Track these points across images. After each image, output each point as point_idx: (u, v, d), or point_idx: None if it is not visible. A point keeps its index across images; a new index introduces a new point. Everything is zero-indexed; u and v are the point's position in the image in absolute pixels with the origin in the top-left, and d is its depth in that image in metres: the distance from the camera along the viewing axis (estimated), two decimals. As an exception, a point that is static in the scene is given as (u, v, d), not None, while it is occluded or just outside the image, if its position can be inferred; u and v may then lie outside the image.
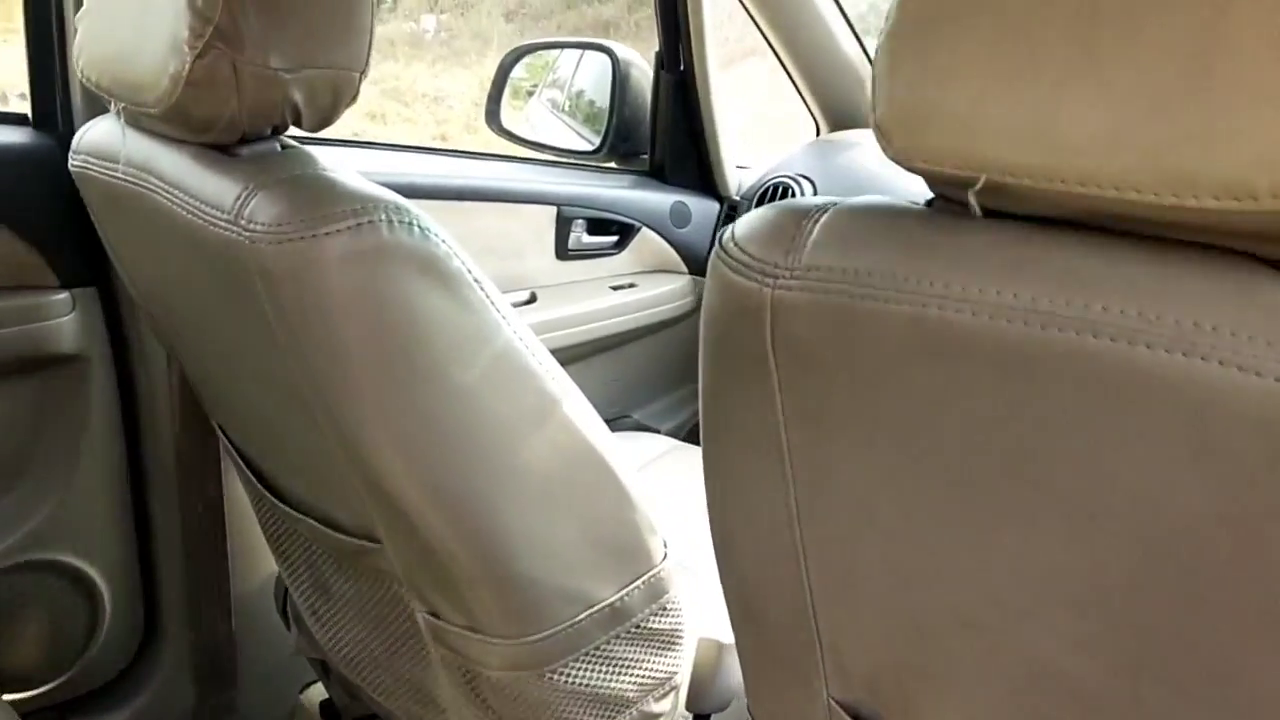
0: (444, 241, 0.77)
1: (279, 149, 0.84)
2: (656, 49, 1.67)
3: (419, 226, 0.76)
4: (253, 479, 1.04)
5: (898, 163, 0.51)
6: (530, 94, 2.30)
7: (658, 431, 1.77)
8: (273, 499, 1.01)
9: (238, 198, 0.75)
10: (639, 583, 0.91)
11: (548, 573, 0.85)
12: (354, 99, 0.84)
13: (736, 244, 0.58)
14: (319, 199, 0.74)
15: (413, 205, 0.78)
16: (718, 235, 0.57)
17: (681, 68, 1.66)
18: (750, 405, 0.59)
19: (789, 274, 0.54)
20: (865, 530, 0.57)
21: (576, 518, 0.86)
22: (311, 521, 0.96)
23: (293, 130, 0.86)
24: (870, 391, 0.52)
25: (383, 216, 0.74)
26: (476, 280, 0.79)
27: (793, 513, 0.60)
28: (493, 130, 1.78)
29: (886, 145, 0.51)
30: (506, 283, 1.57)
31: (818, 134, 1.90)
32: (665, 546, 0.94)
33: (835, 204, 0.56)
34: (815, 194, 1.66)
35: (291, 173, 0.77)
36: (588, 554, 0.88)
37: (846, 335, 0.52)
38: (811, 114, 1.88)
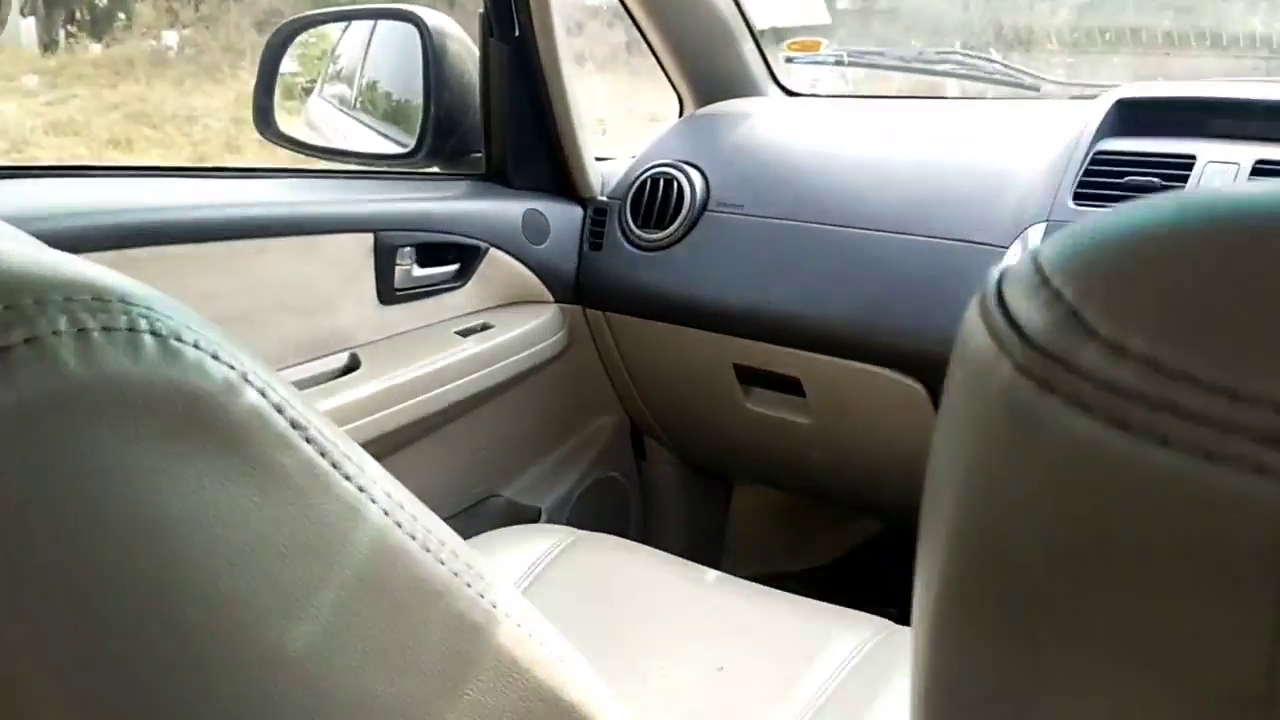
0: (216, 356, 0.35)
1: None
2: (481, 10, 1.25)
3: (154, 333, 0.33)
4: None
5: None
6: (307, 92, 1.83)
7: (538, 511, 1.37)
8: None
9: None
10: None
11: None
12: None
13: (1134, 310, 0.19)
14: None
15: (138, 287, 0.35)
16: (994, 276, 0.14)
17: (517, 32, 1.25)
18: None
19: None
20: None
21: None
22: None
23: None
24: None
25: (62, 324, 0.31)
26: (295, 424, 0.37)
27: None
28: (266, 137, 1.32)
29: None
30: (313, 346, 1.12)
31: (681, 112, 1.53)
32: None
33: None
34: (706, 185, 1.29)
35: None
36: None
37: None
38: (674, 86, 1.51)
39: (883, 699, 0.89)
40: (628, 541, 1.17)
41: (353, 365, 1.13)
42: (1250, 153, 0.96)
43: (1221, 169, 0.96)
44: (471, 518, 1.32)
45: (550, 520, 1.39)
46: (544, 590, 1.05)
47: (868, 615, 0.99)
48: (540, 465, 1.40)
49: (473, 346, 1.23)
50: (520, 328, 1.29)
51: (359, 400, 1.09)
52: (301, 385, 1.06)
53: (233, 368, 0.35)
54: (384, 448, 1.14)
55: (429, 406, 1.18)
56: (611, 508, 1.51)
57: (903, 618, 1.62)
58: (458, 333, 1.24)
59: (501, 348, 1.26)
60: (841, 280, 1.14)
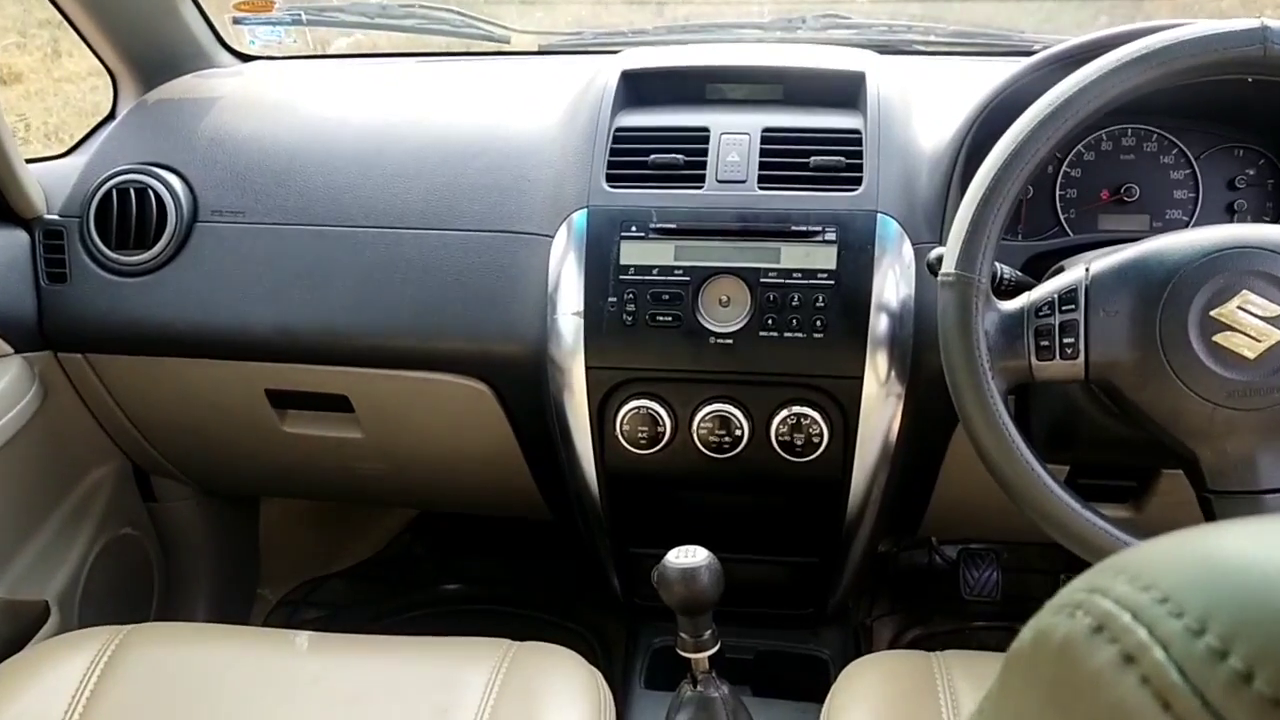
0: None
1: None
2: None
3: None
4: None
5: None
6: None
7: (44, 605, 1.12)
8: None
9: None
10: None
11: None
12: None
13: None
14: None
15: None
16: (1129, 625, 0.16)
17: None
18: None
19: None
20: None
21: None
22: None
23: None
24: None
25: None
26: None
27: None
28: None
29: None
30: None
31: (115, 98, 1.28)
32: None
33: None
34: (191, 191, 1.10)
35: None
36: None
37: None
38: (105, 65, 1.26)
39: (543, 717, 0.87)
40: (188, 626, 1.01)
41: None
42: (757, 121, 1.03)
43: (736, 139, 1.01)
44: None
45: (62, 608, 1.15)
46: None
47: (487, 640, 0.95)
48: (35, 544, 1.15)
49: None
50: (-22, 397, 1.03)
51: None
52: None
53: None
54: None
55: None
56: (131, 568, 1.30)
57: (475, 598, 1.58)
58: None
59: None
60: (380, 287, 1.04)
